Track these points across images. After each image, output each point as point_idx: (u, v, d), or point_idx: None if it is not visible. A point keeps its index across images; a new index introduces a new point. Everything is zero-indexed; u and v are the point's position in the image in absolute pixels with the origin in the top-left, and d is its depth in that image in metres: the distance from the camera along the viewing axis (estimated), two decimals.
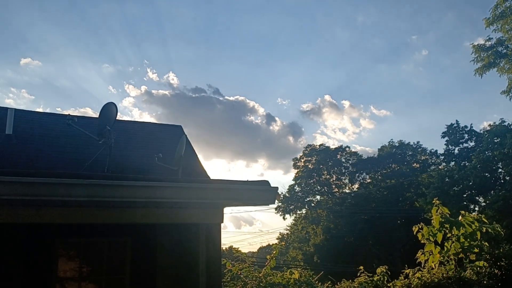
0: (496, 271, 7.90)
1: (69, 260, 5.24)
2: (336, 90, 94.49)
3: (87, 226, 5.00)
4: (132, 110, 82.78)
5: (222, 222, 5.14)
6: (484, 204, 29.90)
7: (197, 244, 5.29)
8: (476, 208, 31.03)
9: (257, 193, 4.83)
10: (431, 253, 8.26)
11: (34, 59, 72.26)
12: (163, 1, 69.08)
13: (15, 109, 8.81)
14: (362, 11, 73.85)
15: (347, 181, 52.03)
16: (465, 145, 34.68)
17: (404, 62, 78.91)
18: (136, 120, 43.52)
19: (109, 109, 7.67)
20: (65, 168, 7.54)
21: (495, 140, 29.48)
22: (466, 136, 34.88)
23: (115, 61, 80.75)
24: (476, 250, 7.98)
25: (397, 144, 48.90)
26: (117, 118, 7.79)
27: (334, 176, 51.97)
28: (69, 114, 9.33)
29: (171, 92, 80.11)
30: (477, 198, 31.04)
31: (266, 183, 4.90)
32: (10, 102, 74.59)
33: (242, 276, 8.64)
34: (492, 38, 23.11)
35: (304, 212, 51.75)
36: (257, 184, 4.88)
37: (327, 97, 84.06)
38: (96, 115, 7.88)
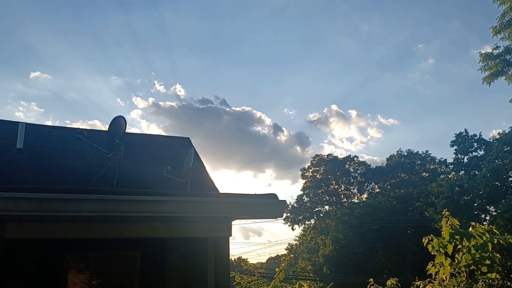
0: (508, 283, 7.79)
1: (79, 274, 5.28)
2: (342, 99, 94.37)
3: (96, 240, 5.03)
4: (140, 122, 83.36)
5: (231, 235, 5.15)
6: (495, 213, 29.52)
7: (205, 258, 5.30)
8: (487, 218, 30.67)
9: (265, 206, 4.84)
10: (441, 265, 8.16)
11: (44, 73, 73.25)
12: (169, 13, 69.90)
13: (25, 123, 8.92)
14: (367, 20, 74.09)
15: (355, 191, 51.81)
16: (474, 154, 34.42)
17: (410, 71, 78.82)
18: (144, 131, 43.85)
19: (118, 122, 7.74)
20: (75, 181, 7.59)
21: (505, 149, 29.21)
22: (475, 144, 34.63)
23: (123, 74, 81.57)
24: (487, 262, 7.86)
25: (405, 153, 48.64)
26: (125, 131, 7.86)
27: (343, 186, 51.76)
28: (78, 128, 9.45)
29: (178, 104, 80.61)
30: (487, 207, 30.68)
31: (274, 196, 4.91)
32: (20, 115, 75.56)
33: None
34: (499, 47, 23.00)
35: (312, 222, 51.49)
36: (265, 197, 4.88)
37: (333, 107, 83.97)
38: (104, 127, 8.00)
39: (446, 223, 8.24)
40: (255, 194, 5.00)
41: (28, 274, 4.80)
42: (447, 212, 8.38)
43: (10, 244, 4.56)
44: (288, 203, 50.80)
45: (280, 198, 4.94)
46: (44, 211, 3.95)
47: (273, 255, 69.00)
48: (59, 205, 3.96)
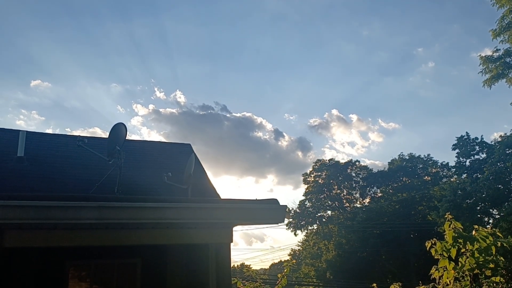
0: None
1: (80, 282, 5.25)
2: (343, 104, 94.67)
3: (97, 248, 5.01)
4: (140, 129, 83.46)
5: (232, 241, 5.12)
6: (498, 216, 29.39)
7: (206, 264, 5.27)
8: (490, 221, 30.52)
9: (266, 212, 4.82)
10: (445, 269, 8.10)
11: (44, 81, 73.60)
12: (169, 20, 70.22)
13: (26, 131, 8.93)
14: (367, 25, 74.34)
15: (358, 195, 51.72)
16: (476, 157, 34.28)
17: (410, 75, 78.95)
18: (145, 139, 43.94)
19: (118, 129, 7.74)
20: (76, 189, 7.58)
21: (507, 151, 29.12)
22: (477, 147, 34.51)
23: (123, 81, 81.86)
24: (491, 265, 7.80)
25: (407, 157, 48.56)
26: (126, 138, 7.86)
27: (345, 191, 51.66)
28: (79, 136, 9.45)
29: (179, 110, 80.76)
30: (490, 210, 30.53)
31: (275, 201, 4.89)
32: (21, 124, 75.82)
33: None
34: (499, 49, 23.02)
35: (315, 227, 51.35)
36: (266, 203, 4.86)
37: (334, 111, 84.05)
38: (105, 134, 8.01)
39: (449, 226, 8.19)
40: (256, 199, 4.99)
41: (28, 283, 4.77)
42: (450, 216, 8.32)
43: (10, 253, 4.54)
44: (291, 209, 50.73)
45: (281, 203, 4.92)
46: (44, 219, 3.93)
47: (276, 261, 68.80)
48: (58, 213, 3.94)
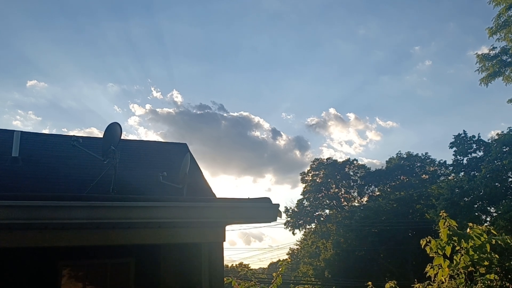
0: (507, 284, 7.75)
1: (73, 282, 5.23)
2: (340, 103, 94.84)
3: (90, 247, 5.00)
4: (137, 129, 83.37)
5: (224, 240, 5.13)
6: (495, 214, 29.47)
7: (199, 263, 5.27)
8: (488, 219, 30.61)
9: (258, 210, 4.82)
10: (440, 267, 8.12)
11: (40, 81, 73.56)
12: (165, 20, 70.21)
13: (21, 131, 8.92)
14: (363, 24, 74.47)
15: (356, 194, 51.78)
16: (473, 155, 34.41)
17: (407, 73, 79.10)
18: (142, 138, 43.89)
19: (113, 129, 7.73)
20: (71, 189, 7.57)
21: (504, 149, 29.20)
22: (474, 146, 34.62)
23: (119, 81, 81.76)
24: (486, 263, 7.82)
25: (405, 156, 48.65)
26: (123, 138, 7.84)
27: (343, 190, 51.70)
28: (74, 135, 9.43)
29: (176, 110, 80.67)
30: (488, 208, 30.62)
31: (267, 200, 4.89)
32: (18, 124, 75.69)
33: None
34: (496, 47, 23.07)
35: (313, 226, 51.37)
36: (258, 201, 4.86)
37: (332, 110, 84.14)
38: (101, 135, 7.96)
39: (444, 224, 8.21)
40: (248, 198, 4.99)
41: (21, 284, 4.76)
42: (444, 214, 8.35)
43: (1, 254, 4.53)
44: (288, 208, 50.79)
45: (274, 202, 4.92)
46: (34, 219, 3.92)
47: (274, 260, 68.81)
48: (48, 213, 3.93)
